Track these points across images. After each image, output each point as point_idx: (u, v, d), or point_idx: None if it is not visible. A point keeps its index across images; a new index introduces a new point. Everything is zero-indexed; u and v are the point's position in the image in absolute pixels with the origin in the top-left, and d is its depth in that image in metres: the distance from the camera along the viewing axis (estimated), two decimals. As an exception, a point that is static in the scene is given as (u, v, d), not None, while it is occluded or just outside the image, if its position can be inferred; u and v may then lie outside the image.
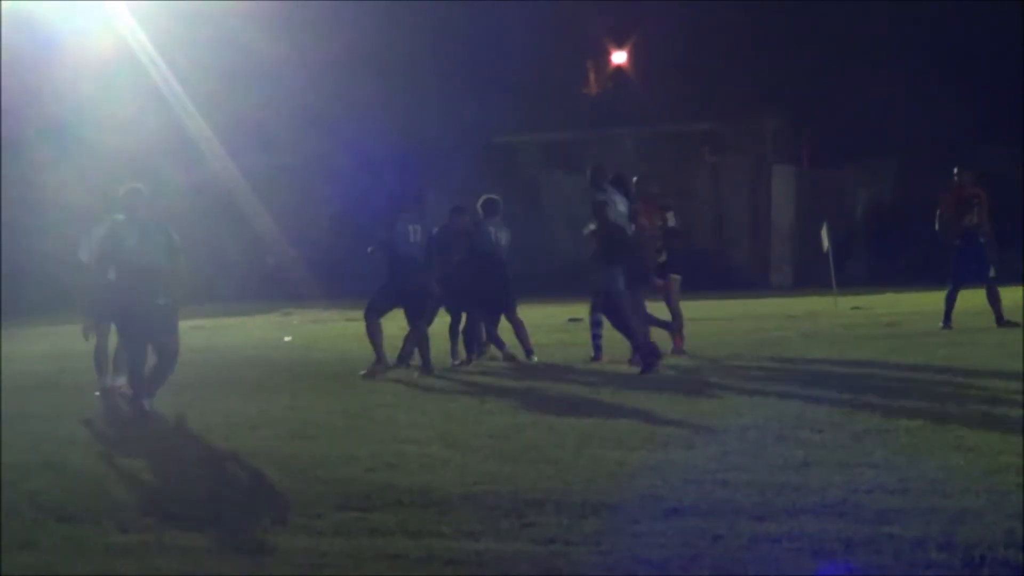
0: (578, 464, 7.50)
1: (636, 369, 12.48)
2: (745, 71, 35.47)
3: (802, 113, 36.91)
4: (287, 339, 19.79)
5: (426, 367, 13.28)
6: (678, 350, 14.16)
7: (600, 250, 12.77)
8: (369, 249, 14.01)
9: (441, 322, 14.73)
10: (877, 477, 6.75)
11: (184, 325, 11.07)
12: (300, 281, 31.89)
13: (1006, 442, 7.57)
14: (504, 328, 14.72)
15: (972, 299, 16.55)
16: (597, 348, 13.73)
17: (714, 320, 20.15)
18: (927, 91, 32.91)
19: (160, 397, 10.76)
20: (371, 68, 34.90)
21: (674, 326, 14.27)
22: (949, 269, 16.50)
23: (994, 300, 16.21)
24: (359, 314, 14.05)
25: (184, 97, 32.01)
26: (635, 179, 13.82)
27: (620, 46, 39.92)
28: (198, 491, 7.31)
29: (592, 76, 40.62)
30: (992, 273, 16.20)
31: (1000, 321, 16.07)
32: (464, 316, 14.52)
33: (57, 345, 18.79)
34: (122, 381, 11.82)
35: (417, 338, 13.52)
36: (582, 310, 15.68)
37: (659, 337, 13.75)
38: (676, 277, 14.47)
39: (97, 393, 12.05)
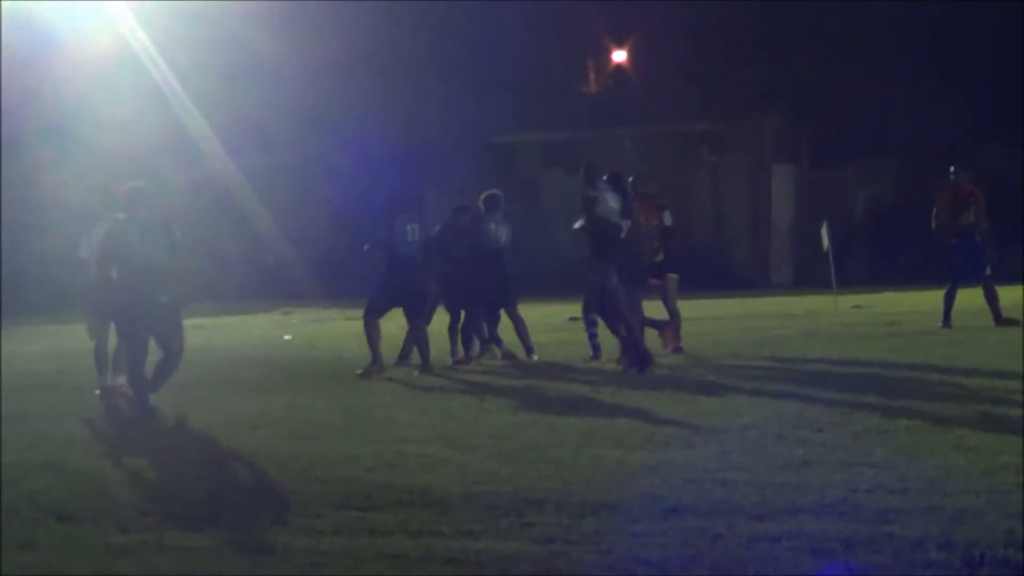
0: (578, 464, 7.50)
1: (621, 368, 12.55)
2: (745, 71, 35.47)
3: (802, 113, 36.93)
4: (287, 338, 19.80)
5: (425, 366, 13.27)
6: (677, 350, 14.16)
7: (592, 247, 12.80)
8: (365, 247, 14.02)
9: (441, 321, 14.73)
10: (877, 477, 6.75)
11: (184, 324, 11.06)
12: (300, 280, 31.89)
13: (1006, 442, 7.57)
14: (505, 326, 14.73)
15: (971, 298, 16.55)
16: (595, 347, 13.73)
17: (714, 319, 20.15)
18: (927, 91, 32.91)
19: (160, 397, 10.75)
20: (371, 68, 34.90)
21: (664, 325, 14.26)
22: (947, 268, 16.52)
23: (991, 298, 16.21)
24: (359, 313, 14.05)
25: (184, 97, 32.01)
26: (631, 179, 13.83)
27: (620, 45, 39.93)
28: (198, 491, 7.31)
29: (592, 75, 40.64)
30: (989, 271, 16.22)
31: (998, 319, 16.08)
32: (464, 314, 14.51)
33: (57, 345, 18.79)
34: (122, 381, 11.82)
35: (416, 337, 13.52)
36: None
37: (650, 337, 13.76)
38: (673, 276, 14.47)
39: (97, 393, 12.05)
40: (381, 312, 13.55)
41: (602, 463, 7.48)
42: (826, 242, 21.75)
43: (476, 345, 14.48)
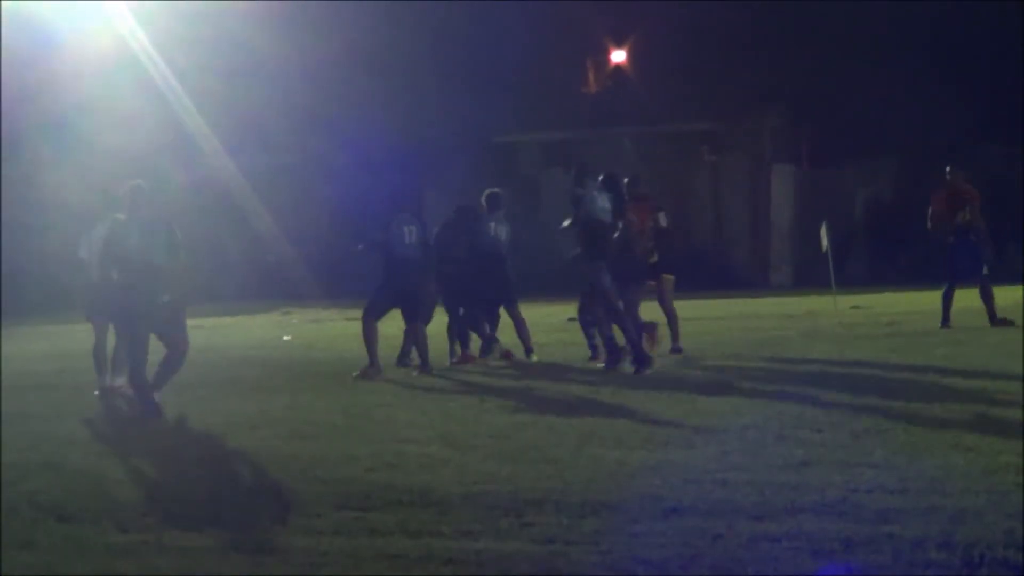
0: (578, 464, 7.50)
1: (602, 365, 12.61)
2: (745, 71, 35.46)
3: (802, 113, 36.91)
4: (287, 338, 19.81)
5: (425, 366, 13.28)
6: (676, 350, 14.16)
7: (583, 247, 12.83)
8: (359, 247, 14.02)
9: (440, 322, 14.73)
10: (877, 477, 6.75)
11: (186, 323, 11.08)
12: (300, 281, 31.90)
13: (1006, 442, 7.57)
14: (504, 327, 14.73)
15: (971, 298, 16.56)
16: (593, 348, 13.73)
17: (714, 319, 20.15)
18: (927, 91, 32.91)
19: (160, 397, 10.75)
20: (371, 68, 34.90)
21: (652, 328, 14.24)
22: (943, 269, 16.55)
23: (987, 298, 16.23)
24: (358, 313, 14.05)
25: (184, 96, 32.01)
26: (626, 180, 13.83)
27: (619, 45, 39.91)
28: (198, 491, 7.31)
29: (591, 75, 40.61)
30: (986, 271, 16.24)
31: (993, 319, 16.10)
32: (462, 313, 14.49)
33: (57, 345, 18.80)
34: (121, 381, 11.82)
35: (416, 338, 13.51)
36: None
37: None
38: (669, 277, 14.48)
39: (96, 393, 12.05)
40: (380, 314, 13.54)
41: (602, 463, 7.49)
42: (825, 242, 21.73)
43: (473, 344, 14.46)
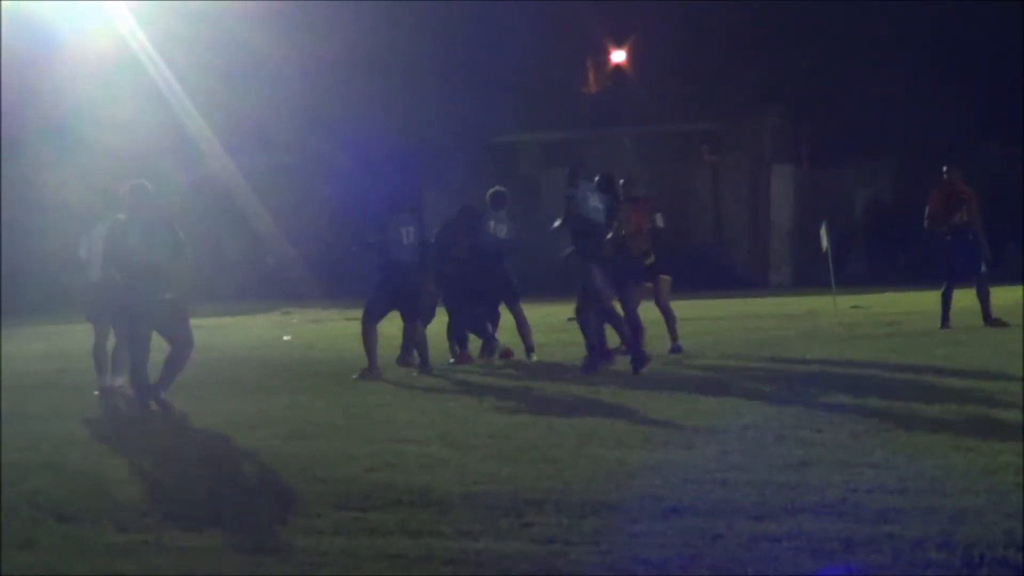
0: (577, 464, 7.50)
1: (578, 365, 12.70)
2: (745, 71, 35.45)
3: (802, 113, 36.89)
4: (287, 338, 19.80)
5: (424, 366, 13.28)
6: (676, 349, 14.15)
7: (575, 246, 12.84)
8: (353, 248, 14.02)
9: (440, 322, 14.73)
10: (877, 477, 6.76)
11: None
12: (300, 281, 31.88)
13: (1005, 442, 7.57)
14: (504, 327, 14.72)
15: (971, 299, 16.56)
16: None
17: (714, 319, 20.14)
18: (927, 91, 32.89)
19: (168, 395, 10.77)
20: (371, 68, 34.89)
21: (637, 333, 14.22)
22: (941, 269, 16.56)
23: (983, 297, 16.24)
24: (358, 314, 14.04)
25: (184, 97, 31.99)
26: (622, 181, 13.83)
27: (619, 45, 39.88)
28: (198, 491, 7.31)
29: (591, 75, 40.59)
30: (984, 268, 16.24)
31: (987, 319, 16.10)
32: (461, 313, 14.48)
33: (57, 345, 18.79)
34: (121, 381, 11.82)
35: (415, 338, 13.51)
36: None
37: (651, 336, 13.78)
38: (666, 278, 14.46)
39: (96, 393, 12.05)
40: (379, 316, 13.52)
41: (602, 463, 7.49)
42: (825, 242, 21.73)
43: (469, 344, 14.46)
